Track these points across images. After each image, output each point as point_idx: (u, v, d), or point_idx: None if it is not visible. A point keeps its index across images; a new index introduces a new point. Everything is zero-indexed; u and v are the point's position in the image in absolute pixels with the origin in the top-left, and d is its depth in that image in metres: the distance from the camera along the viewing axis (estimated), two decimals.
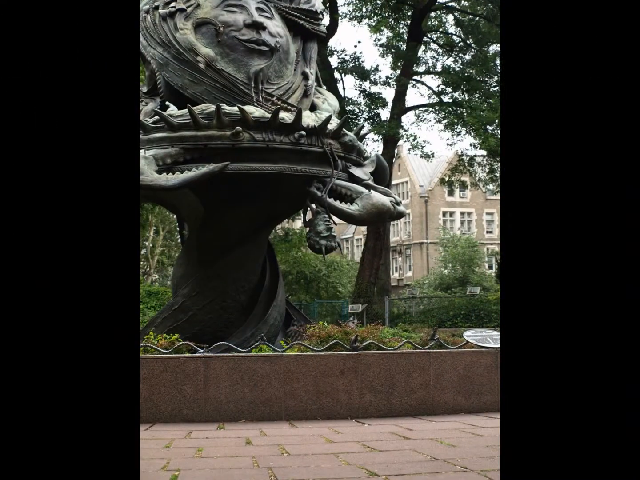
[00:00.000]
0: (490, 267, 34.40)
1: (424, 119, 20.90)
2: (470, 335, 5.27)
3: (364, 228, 26.43)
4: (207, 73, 5.30)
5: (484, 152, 19.59)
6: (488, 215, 39.94)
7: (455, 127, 19.62)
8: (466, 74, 19.21)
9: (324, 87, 6.56)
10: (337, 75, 19.64)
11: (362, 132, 6.22)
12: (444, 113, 19.63)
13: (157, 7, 5.47)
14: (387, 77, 20.45)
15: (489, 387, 4.64)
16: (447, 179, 22.74)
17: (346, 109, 18.13)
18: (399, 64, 19.88)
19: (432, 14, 20.42)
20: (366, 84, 19.98)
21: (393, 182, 32.94)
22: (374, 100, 19.47)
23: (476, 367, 4.69)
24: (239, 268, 5.59)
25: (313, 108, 5.74)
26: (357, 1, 19.74)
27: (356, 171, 5.42)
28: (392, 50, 20.20)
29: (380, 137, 19.13)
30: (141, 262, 25.94)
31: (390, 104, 19.38)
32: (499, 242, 25.62)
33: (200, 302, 5.58)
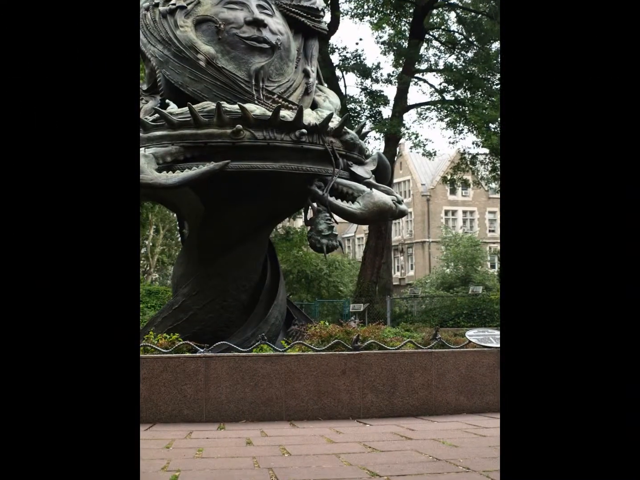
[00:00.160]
0: (492, 266, 34.38)
1: (426, 117, 20.91)
2: (473, 334, 5.25)
3: (365, 227, 26.43)
4: (208, 71, 5.28)
5: (487, 150, 19.54)
6: (490, 214, 39.88)
7: (458, 125, 19.60)
8: (468, 72, 19.17)
9: (325, 85, 6.54)
10: (338, 73, 19.63)
11: (364, 130, 6.20)
12: (446, 111, 19.62)
13: (157, 4, 5.45)
14: (388, 75, 20.45)
15: (492, 387, 4.62)
16: (449, 177, 22.70)
17: (347, 107, 18.09)
18: (401, 61, 19.85)
19: (434, 11, 20.38)
20: (368, 82, 19.98)
21: (395, 181, 32.88)
22: (376, 98, 19.44)
23: (478, 367, 4.67)
24: (239, 267, 5.57)
25: (314, 106, 5.72)
26: None
27: (358, 169, 5.40)
28: (394, 47, 20.17)
29: (382, 135, 19.11)
30: (141, 261, 25.96)
31: (392, 102, 19.36)
32: None
33: (200, 302, 5.57)
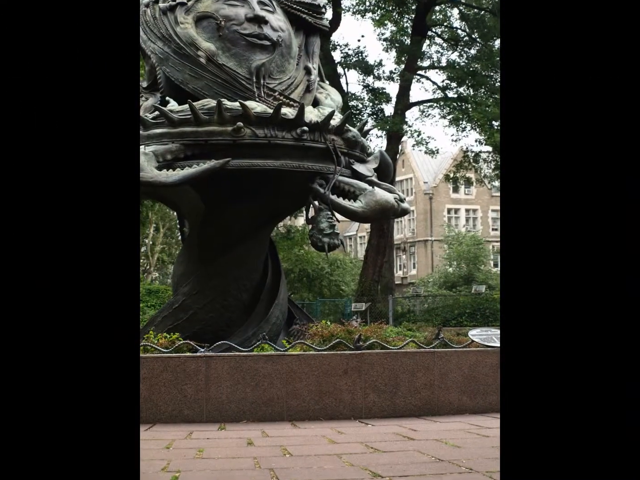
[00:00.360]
0: (496, 265, 34.29)
1: (429, 115, 20.82)
2: (476, 334, 5.24)
3: (367, 225, 26.39)
4: (208, 68, 5.25)
5: (490, 148, 19.51)
6: (494, 213, 39.77)
7: (460, 122, 19.54)
8: (471, 69, 19.12)
9: (327, 82, 6.52)
10: (340, 70, 19.60)
11: (366, 128, 6.17)
12: (448, 108, 19.56)
13: (157, 1, 5.43)
14: (390, 72, 20.38)
15: (495, 387, 4.59)
16: (452, 175, 22.65)
17: (349, 104, 18.08)
18: (403, 58, 19.80)
19: (437, 8, 20.32)
20: (370, 79, 19.93)
21: (397, 179, 32.83)
22: (378, 95, 19.40)
23: (481, 367, 4.64)
24: (240, 266, 5.55)
25: (316, 103, 5.69)
26: None
27: (359, 167, 5.37)
28: (396, 44, 20.10)
29: (384, 132, 19.07)
30: (141, 260, 25.96)
31: (394, 99, 19.32)
32: None
33: (201, 301, 5.55)
